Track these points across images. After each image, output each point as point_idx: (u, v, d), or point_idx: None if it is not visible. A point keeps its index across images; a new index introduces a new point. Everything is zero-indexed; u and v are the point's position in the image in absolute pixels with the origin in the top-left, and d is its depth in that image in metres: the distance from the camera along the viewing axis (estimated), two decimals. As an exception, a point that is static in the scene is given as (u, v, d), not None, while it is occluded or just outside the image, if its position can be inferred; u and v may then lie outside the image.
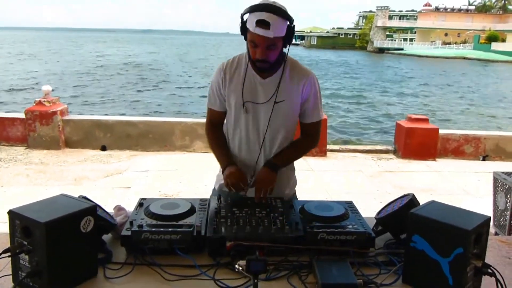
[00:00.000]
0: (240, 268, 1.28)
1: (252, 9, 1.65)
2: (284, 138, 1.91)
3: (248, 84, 1.82)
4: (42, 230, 1.15)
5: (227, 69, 1.86)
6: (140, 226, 1.43)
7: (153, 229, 1.42)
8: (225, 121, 1.98)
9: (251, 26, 1.65)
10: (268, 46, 1.67)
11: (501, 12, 77.87)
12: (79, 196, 1.47)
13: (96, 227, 1.30)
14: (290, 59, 1.85)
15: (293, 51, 1.82)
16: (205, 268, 1.36)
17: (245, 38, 1.73)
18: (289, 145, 1.93)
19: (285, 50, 1.80)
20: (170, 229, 1.43)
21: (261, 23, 1.61)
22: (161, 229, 1.42)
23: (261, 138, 1.87)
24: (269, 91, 1.81)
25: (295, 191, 2.10)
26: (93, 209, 1.29)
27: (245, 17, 1.69)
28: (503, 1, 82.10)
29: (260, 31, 1.62)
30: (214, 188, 2.10)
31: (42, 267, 1.18)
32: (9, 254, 1.19)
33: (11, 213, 1.21)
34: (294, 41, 1.96)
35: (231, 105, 1.88)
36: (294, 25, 1.70)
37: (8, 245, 1.22)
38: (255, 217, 1.56)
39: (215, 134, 1.98)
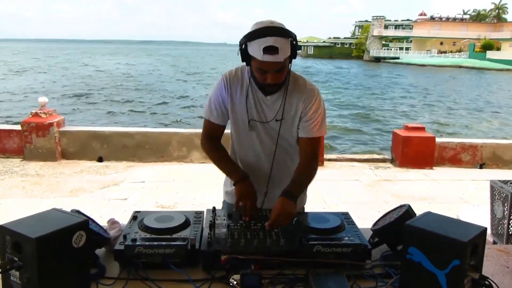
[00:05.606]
0: (235, 282, 1.27)
1: (254, 36, 1.58)
2: (293, 155, 1.89)
3: (251, 101, 1.78)
4: (33, 246, 1.13)
5: (229, 81, 1.80)
6: (134, 240, 1.41)
7: (147, 243, 1.40)
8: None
9: (257, 54, 1.57)
10: (278, 70, 1.62)
11: (495, 21, 78.77)
12: (72, 210, 1.45)
13: (88, 242, 1.28)
14: (293, 75, 1.79)
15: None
16: (199, 282, 1.34)
17: (247, 64, 1.68)
18: (297, 173, 1.81)
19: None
20: (164, 243, 1.41)
21: (269, 50, 1.54)
22: (155, 243, 1.40)
23: (269, 156, 1.84)
24: (273, 109, 1.78)
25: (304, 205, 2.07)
26: (85, 224, 1.27)
27: (247, 44, 1.61)
28: (497, 10, 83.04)
29: (269, 58, 1.56)
30: (224, 201, 2.07)
31: (33, 283, 1.16)
32: (-1, 270, 1.17)
33: (1, 229, 1.19)
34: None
35: (236, 122, 1.83)
36: (296, 41, 1.64)
37: (-2, 261, 1.20)
38: (250, 229, 1.54)
39: (217, 147, 1.89)
